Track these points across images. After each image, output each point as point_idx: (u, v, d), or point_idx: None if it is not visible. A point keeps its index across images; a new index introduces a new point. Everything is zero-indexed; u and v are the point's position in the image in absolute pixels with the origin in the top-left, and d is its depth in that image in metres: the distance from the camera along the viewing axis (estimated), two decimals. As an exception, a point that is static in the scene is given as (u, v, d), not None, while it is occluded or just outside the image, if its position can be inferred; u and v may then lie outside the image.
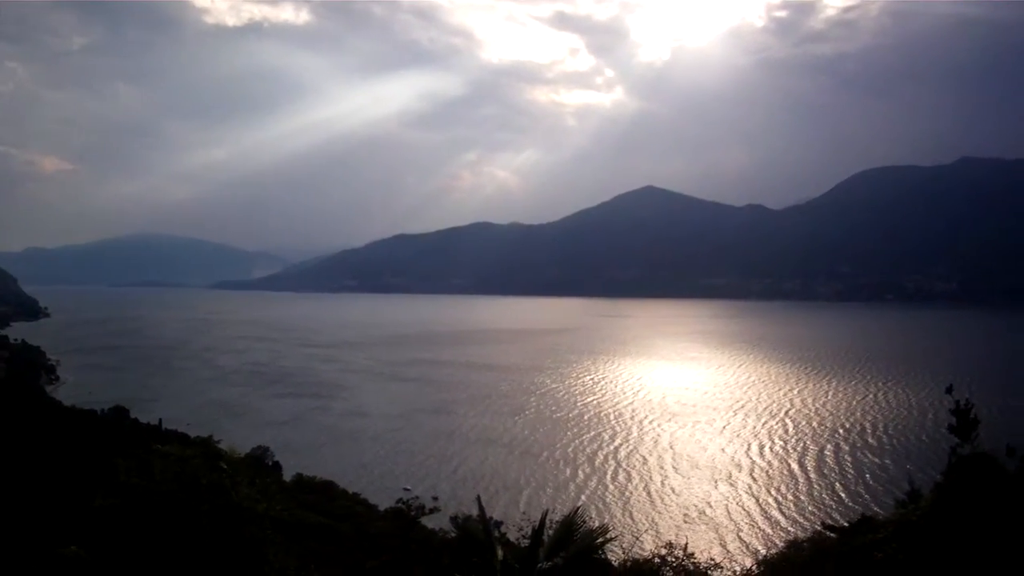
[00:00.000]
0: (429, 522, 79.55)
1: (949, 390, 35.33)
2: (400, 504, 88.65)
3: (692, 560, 41.61)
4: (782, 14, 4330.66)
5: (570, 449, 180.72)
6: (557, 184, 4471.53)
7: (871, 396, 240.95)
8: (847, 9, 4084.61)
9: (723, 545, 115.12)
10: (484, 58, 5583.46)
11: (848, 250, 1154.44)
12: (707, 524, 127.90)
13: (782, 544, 56.37)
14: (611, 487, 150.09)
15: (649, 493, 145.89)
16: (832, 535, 42.51)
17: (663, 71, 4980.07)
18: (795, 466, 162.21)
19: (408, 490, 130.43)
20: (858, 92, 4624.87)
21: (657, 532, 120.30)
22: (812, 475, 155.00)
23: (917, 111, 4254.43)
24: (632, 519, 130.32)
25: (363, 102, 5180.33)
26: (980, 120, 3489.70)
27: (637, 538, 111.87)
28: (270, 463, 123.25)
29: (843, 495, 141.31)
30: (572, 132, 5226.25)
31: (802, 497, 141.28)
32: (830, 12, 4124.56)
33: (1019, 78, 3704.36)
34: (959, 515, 26.18)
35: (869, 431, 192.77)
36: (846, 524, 44.74)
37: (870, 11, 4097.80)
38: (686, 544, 42.70)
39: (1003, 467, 29.06)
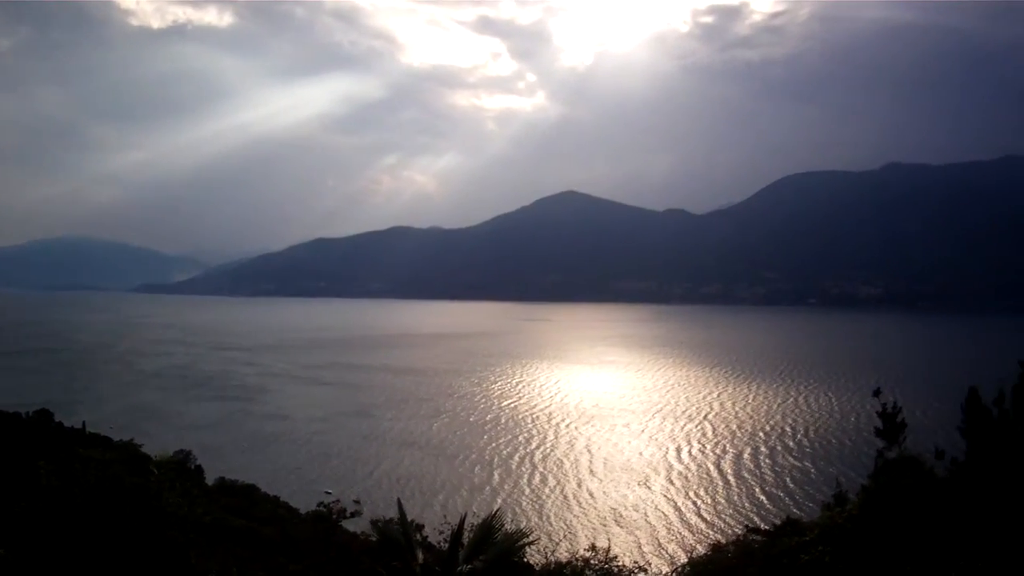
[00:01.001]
0: (350, 525, 79.25)
1: (877, 393, 35.74)
2: (321, 507, 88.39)
3: (615, 563, 41.87)
4: (708, 19, 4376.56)
5: (487, 452, 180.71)
6: (477, 189, 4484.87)
7: (792, 399, 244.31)
8: (775, 15, 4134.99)
9: (644, 548, 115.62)
10: (405, 62, 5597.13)
11: (771, 255, 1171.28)
12: (627, 527, 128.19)
13: (706, 547, 56.66)
14: (528, 490, 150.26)
15: (567, 496, 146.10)
16: (757, 537, 42.79)
17: (586, 76, 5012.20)
18: (716, 469, 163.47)
19: (329, 493, 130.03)
20: (785, 97, 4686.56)
21: (576, 535, 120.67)
22: (733, 478, 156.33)
23: (844, 116, 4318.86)
24: (550, 522, 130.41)
25: (284, 105, 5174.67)
26: (908, 125, 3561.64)
27: (558, 541, 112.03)
28: (192, 467, 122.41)
29: (765, 498, 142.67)
30: (493, 137, 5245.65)
31: (724, 500, 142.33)
32: (757, 18, 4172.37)
33: (947, 83, 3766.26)
34: (887, 518, 26.33)
35: (791, 434, 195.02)
36: (771, 527, 44.91)
37: (798, 17, 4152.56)
38: (608, 547, 42.96)
39: (931, 470, 29.31)
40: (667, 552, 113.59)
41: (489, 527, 24.77)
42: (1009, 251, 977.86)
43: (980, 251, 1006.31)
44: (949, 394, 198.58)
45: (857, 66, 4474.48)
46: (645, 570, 45.96)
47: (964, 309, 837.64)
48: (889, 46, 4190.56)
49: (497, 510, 28.61)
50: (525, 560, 47.20)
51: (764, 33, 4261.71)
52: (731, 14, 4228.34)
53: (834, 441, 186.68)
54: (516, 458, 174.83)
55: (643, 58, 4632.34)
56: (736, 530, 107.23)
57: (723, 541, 55.24)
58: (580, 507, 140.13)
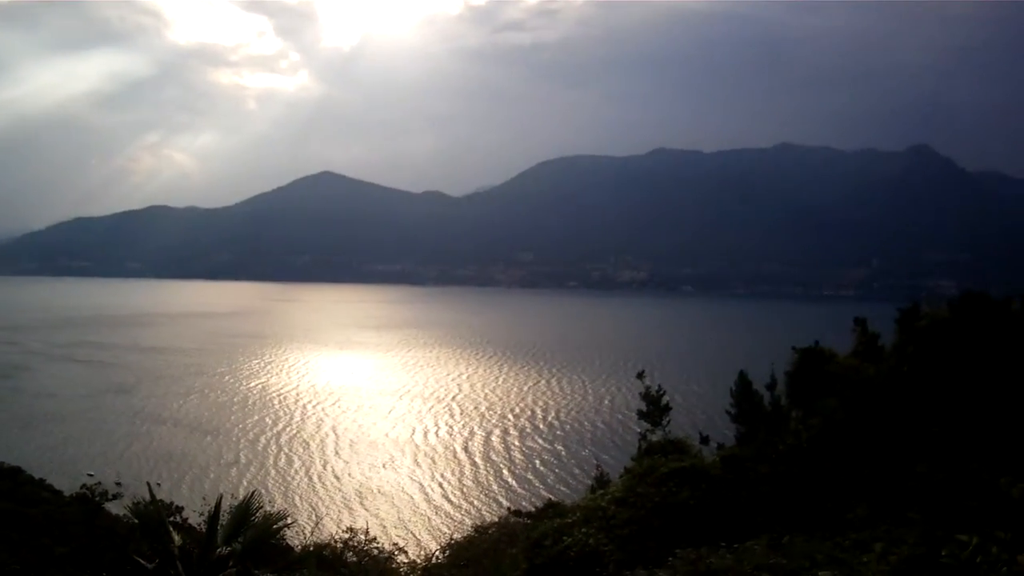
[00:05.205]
0: (114, 508, 77.85)
1: (640, 375, 36.79)
2: (84, 490, 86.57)
3: (375, 544, 42.63)
4: (480, 3, 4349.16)
5: (237, 432, 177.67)
6: (236, 168, 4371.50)
7: (542, 382, 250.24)
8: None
9: (397, 530, 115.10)
10: (171, 39, 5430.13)
11: (530, 238, 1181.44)
12: (378, 509, 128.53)
13: (469, 528, 57.31)
14: (277, 471, 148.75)
15: (316, 478, 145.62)
16: (519, 520, 43.56)
17: (350, 56, 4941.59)
18: (464, 451, 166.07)
19: (91, 475, 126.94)
20: (554, 82, 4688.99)
21: (328, 517, 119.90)
22: (481, 460, 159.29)
23: (617, 102, 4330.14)
24: (302, 504, 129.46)
25: (53, 81, 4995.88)
26: (683, 112, 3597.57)
27: (315, 523, 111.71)
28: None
29: (514, 481, 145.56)
30: (253, 116, 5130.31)
31: (472, 482, 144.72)
32: (531, 1, 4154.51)
33: (728, 71, 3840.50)
34: (651, 500, 27.04)
35: (540, 417, 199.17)
36: (533, 509, 45.67)
37: (575, 1, 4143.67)
38: (367, 528, 43.73)
39: (699, 453, 30.19)
40: (421, 533, 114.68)
41: (246, 509, 24.81)
42: (779, 237, 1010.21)
43: (749, 237, 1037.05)
44: (709, 378, 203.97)
45: (633, 52, 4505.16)
46: (405, 551, 46.66)
47: (729, 294, 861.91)
48: (668, 32, 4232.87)
49: (253, 492, 28.83)
50: (284, 543, 47.57)
51: (537, 17, 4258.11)
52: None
53: (586, 423, 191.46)
54: (263, 439, 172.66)
55: (410, 40, 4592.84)
56: (489, 512, 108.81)
57: (485, 523, 55.92)
58: (329, 489, 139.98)
